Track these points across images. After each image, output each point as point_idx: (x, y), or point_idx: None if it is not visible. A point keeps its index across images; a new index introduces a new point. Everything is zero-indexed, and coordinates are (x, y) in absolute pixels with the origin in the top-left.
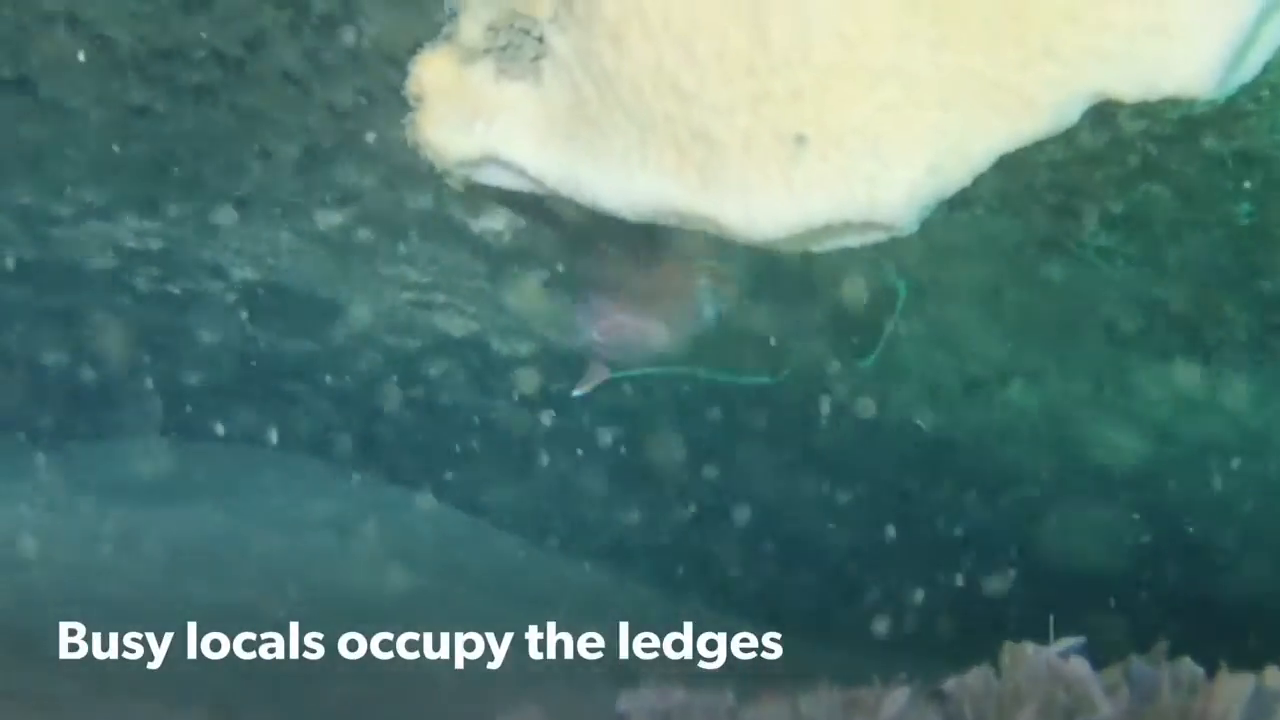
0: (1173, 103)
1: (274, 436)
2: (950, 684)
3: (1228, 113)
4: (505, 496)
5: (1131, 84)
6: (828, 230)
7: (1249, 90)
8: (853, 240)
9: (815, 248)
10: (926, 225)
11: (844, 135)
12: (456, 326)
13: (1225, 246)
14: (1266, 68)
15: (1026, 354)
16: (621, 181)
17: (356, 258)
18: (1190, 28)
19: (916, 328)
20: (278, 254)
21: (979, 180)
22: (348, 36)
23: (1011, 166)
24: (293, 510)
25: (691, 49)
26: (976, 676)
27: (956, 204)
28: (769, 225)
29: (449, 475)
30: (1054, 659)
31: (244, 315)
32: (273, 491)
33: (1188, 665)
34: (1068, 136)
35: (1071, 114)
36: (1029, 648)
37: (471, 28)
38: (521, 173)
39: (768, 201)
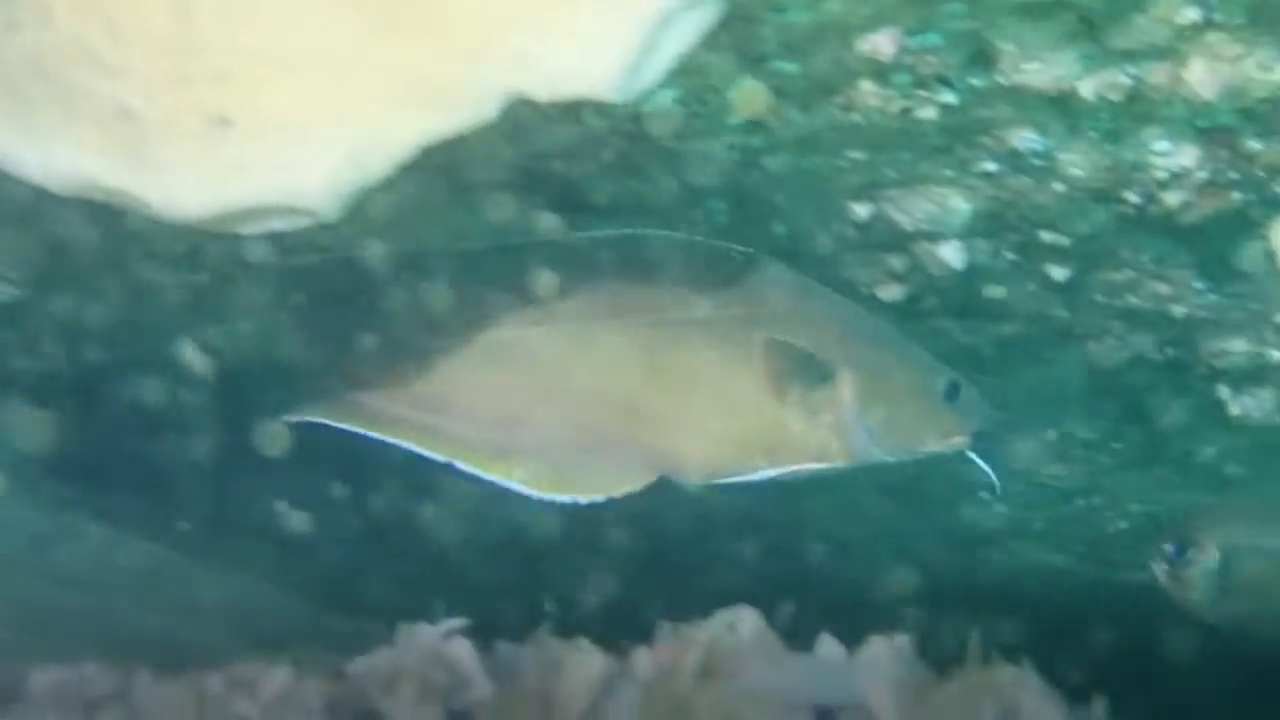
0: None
1: None
2: (353, 664)
3: (675, 114)
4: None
5: (542, 84)
6: (251, 213)
7: (694, 94)
8: (279, 224)
9: (242, 230)
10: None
11: (267, 120)
12: None
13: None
14: (704, 73)
15: None
16: (43, 155)
17: None
18: (595, 34)
19: None
20: None
21: (465, 169)
22: None
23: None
24: None
25: (114, 24)
26: (379, 658)
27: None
28: (190, 205)
29: None
30: (437, 639)
31: None
32: None
33: (550, 645)
34: (546, 129)
35: (489, 110)
36: (418, 628)
37: None
38: None
39: (189, 182)
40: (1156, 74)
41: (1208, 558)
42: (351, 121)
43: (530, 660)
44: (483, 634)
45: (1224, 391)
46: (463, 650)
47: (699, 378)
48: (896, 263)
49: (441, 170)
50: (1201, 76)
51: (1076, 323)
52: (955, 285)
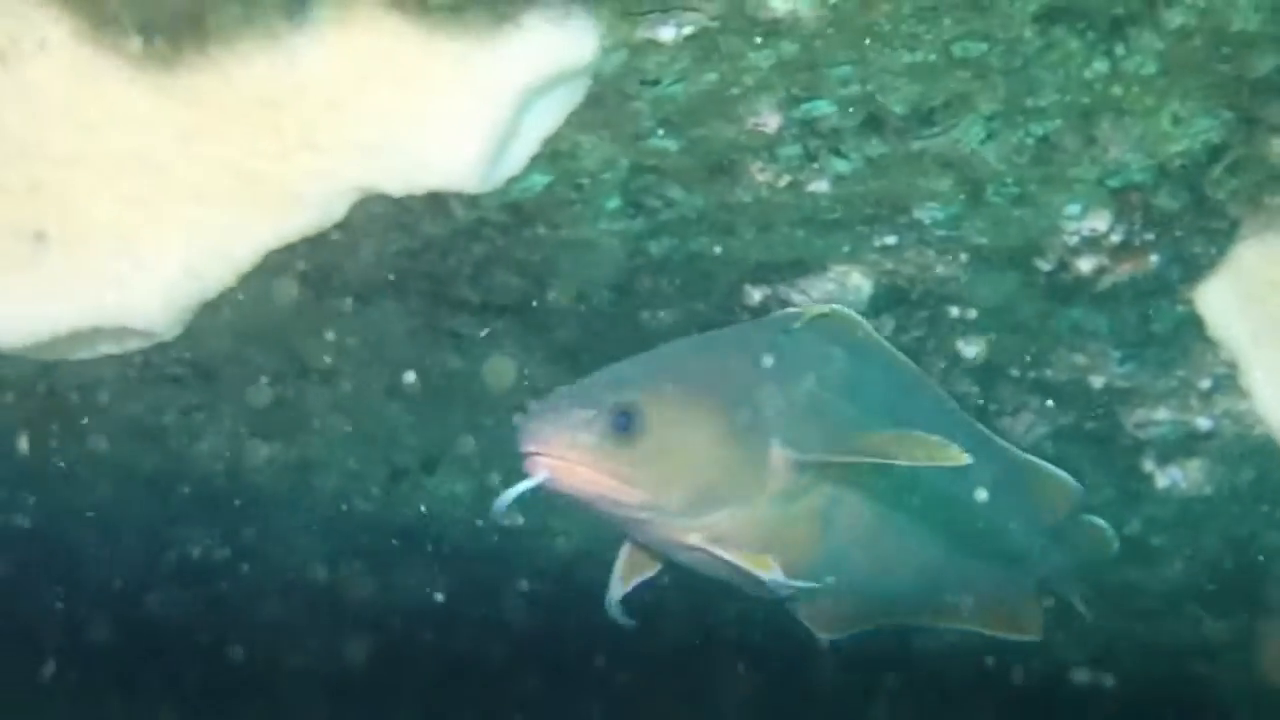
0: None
1: None
2: None
3: (551, 201)
4: None
5: (394, 177)
6: (78, 338)
7: (567, 178)
8: (111, 348)
9: (71, 357)
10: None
11: (89, 231)
12: None
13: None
14: (575, 156)
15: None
16: None
17: None
18: (449, 120)
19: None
20: None
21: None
22: None
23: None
24: None
25: None
26: None
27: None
28: (9, 334)
29: None
30: None
31: None
32: None
33: None
34: (409, 227)
35: (338, 208)
36: None
37: None
38: None
39: (6, 306)
40: (1064, 132)
41: None
42: (186, 228)
43: None
44: None
45: (1149, 464)
46: None
47: None
48: None
49: (307, 274)
50: (1111, 133)
51: (990, 399)
52: None
